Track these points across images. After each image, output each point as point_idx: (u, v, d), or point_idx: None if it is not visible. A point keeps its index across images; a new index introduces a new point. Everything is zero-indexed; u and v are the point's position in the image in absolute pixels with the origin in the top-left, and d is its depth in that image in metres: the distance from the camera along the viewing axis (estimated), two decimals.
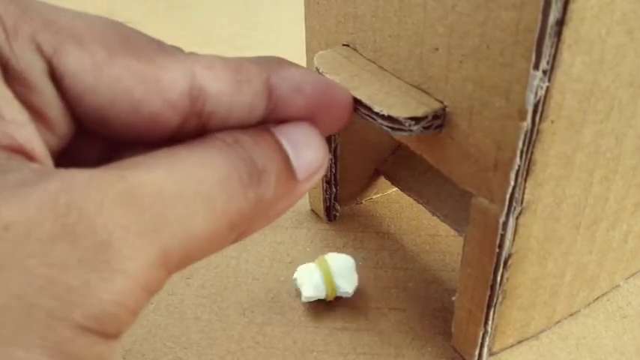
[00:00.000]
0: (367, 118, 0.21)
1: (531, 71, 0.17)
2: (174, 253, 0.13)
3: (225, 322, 0.29)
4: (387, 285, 0.30)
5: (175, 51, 0.15)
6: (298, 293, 0.30)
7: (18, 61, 0.13)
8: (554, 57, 0.17)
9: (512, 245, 0.22)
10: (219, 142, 0.15)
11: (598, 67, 0.19)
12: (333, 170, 0.32)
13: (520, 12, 0.17)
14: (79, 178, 0.12)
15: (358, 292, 0.29)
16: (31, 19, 0.13)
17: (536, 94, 0.18)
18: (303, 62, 0.27)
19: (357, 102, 0.21)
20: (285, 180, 0.16)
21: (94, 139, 0.15)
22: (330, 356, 0.27)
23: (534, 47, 0.17)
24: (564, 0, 0.16)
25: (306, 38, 0.29)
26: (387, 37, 0.23)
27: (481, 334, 0.25)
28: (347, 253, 0.29)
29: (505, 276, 0.23)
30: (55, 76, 0.14)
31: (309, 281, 0.28)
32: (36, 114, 0.14)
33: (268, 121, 0.16)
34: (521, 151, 0.19)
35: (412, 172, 0.33)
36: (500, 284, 0.23)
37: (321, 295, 0.28)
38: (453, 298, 0.26)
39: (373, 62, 0.24)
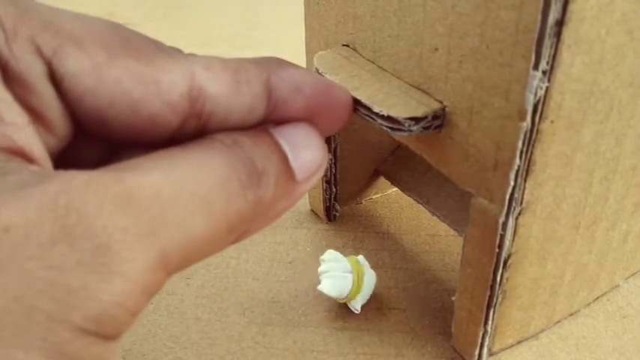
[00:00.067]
0: (367, 118, 0.21)
1: (531, 71, 0.17)
2: (174, 255, 0.13)
3: (225, 322, 0.29)
4: (386, 285, 0.30)
5: (175, 52, 0.15)
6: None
7: (17, 63, 0.13)
8: (554, 57, 0.17)
9: (511, 245, 0.22)
10: (218, 144, 0.15)
11: (598, 67, 0.19)
12: (333, 170, 0.32)
13: (519, 12, 0.17)
14: (78, 179, 0.12)
15: None
16: (30, 20, 0.13)
17: (535, 94, 0.18)
18: (302, 62, 0.27)
19: (356, 102, 0.21)
20: (284, 181, 0.16)
21: (94, 141, 0.15)
22: (330, 356, 0.27)
23: (534, 47, 0.17)
24: (564, 0, 0.16)
25: (306, 38, 0.29)
26: (387, 38, 0.23)
27: (481, 334, 0.25)
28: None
29: (505, 276, 0.23)
30: (54, 78, 0.14)
31: (339, 283, 0.27)
32: (35, 116, 0.14)
33: (268, 121, 0.16)
34: (521, 151, 0.19)
35: (412, 172, 0.33)
36: (500, 284, 0.23)
37: (340, 298, 0.28)
38: (453, 298, 0.26)
39: (373, 62, 0.24)
